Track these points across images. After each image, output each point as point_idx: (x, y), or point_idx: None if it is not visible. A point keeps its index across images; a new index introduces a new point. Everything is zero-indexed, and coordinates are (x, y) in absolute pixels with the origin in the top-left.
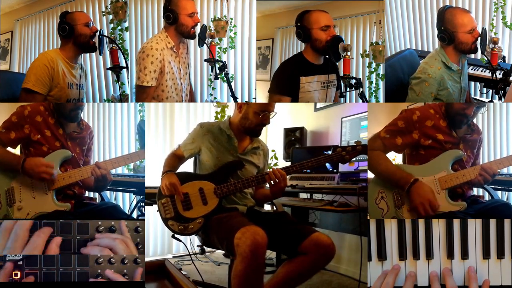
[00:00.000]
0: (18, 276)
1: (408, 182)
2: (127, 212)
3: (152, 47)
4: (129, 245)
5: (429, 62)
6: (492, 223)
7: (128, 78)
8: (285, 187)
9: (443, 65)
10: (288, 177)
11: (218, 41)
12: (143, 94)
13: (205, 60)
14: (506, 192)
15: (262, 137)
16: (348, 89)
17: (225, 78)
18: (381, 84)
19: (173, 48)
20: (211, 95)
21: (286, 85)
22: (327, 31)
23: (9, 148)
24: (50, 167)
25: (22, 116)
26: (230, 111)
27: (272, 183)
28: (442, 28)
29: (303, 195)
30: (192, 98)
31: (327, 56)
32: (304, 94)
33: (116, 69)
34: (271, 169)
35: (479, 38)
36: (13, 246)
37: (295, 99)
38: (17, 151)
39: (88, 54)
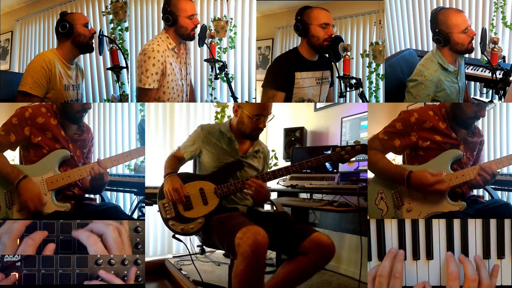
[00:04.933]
0: (16, 278)
1: (404, 175)
2: (127, 213)
3: (153, 49)
4: (122, 234)
5: (425, 64)
6: (492, 223)
7: (128, 78)
8: (267, 194)
9: (439, 67)
10: (288, 177)
11: (218, 41)
12: (145, 96)
13: (205, 60)
14: (506, 192)
15: (262, 137)
16: (348, 89)
17: (225, 78)
18: (381, 84)
19: (174, 49)
20: (211, 95)
21: (280, 80)
22: (326, 29)
23: (8, 151)
24: (41, 202)
25: (23, 117)
26: (230, 111)
27: (251, 192)
28: (437, 30)
29: (303, 195)
30: (192, 98)
31: (326, 55)
32: (298, 90)
33: (116, 69)
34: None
35: (474, 37)
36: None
37: (289, 94)
38: (16, 152)
39: (88, 54)
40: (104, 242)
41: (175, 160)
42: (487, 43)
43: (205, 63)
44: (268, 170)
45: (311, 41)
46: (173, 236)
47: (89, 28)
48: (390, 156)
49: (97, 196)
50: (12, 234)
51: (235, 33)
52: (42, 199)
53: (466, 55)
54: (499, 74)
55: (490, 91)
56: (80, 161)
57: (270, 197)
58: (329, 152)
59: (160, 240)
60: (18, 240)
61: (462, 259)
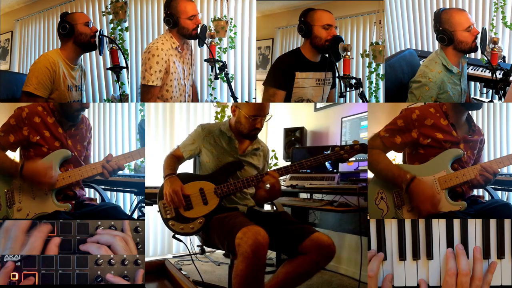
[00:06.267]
0: (16, 278)
1: (406, 181)
2: (127, 213)
3: (158, 47)
4: (129, 243)
5: (429, 65)
6: (492, 223)
7: (128, 78)
8: (280, 189)
9: (443, 68)
10: (288, 177)
11: (218, 41)
12: (148, 94)
13: (205, 60)
14: (506, 192)
15: (262, 137)
16: (348, 89)
17: (225, 78)
18: (381, 84)
19: (178, 48)
20: (211, 95)
21: (281, 78)
22: (328, 30)
23: (9, 152)
24: (50, 169)
25: (20, 118)
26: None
27: (268, 186)
28: (441, 28)
29: (303, 195)
30: (195, 99)
31: (326, 55)
32: (298, 89)
33: (116, 69)
34: (269, 170)
35: (478, 36)
36: (12, 247)
37: (289, 93)
38: (17, 153)
39: (88, 54)
40: (113, 252)
41: (174, 159)
42: (487, 43)
43: (205, 63)
44: (268, 170)
45: (314, 42)
46: (173, 236)
47: (91, 26)
48: (391, 155)
49: (98, 196)
50: (20, 227)
51: (235, 33)
52: (51, 172)
53: (467, 55)
54: (499, 74)
55: (490, 91)
56: (82, 155)
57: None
58: (329, 152)
59: (160, 240)
60: (25, 233)
61: (458, 251)
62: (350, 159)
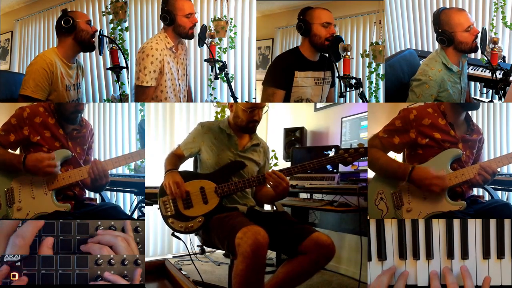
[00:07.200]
0: (16, 278)
1: (407, 171)
2: (127, 213)
3: (152, 47)
4: (130, 243)
5: (429, 64)
6: (492, 223)
7: (128, 78)
8: (288, 187)
9: (443, 67)
10: (288, 177)
11: (218, 41)
12: (143, 94)
13: (205, 60)
14: (506, 192)
15: (262, 137)
16: (348, 89)
17: (225, 78)
18: (381, 84)
19: (172, 48)
20: (211, 95)
21: (280, 78)
22: (327, 28)
23: (8, 151)
24: (52, 159)
25: (21, 118)
26: None
27: (272, 184)
28: (440, 30)
29: (303, 195)
30: (189, 100)
31: (326, 54)
32: (297, 89)
33: (116, 69)
34: (271, 169)
35: (478, 36)
36: None
37: (288, 92)
38: (17, 152)
39: (88, 54)
40: (115, 253)
41: (175, 158)
42: (487, 43)
43: (205, 63)
44: (269, 170)
45: (313, 40)
46: (173, 234)
47: (91, 26)
48: (390, 155)
49: (97, 196)
50: (1, 232)
51: (235, 33)
52: (51, 159)
53: (467, 54)
54: (499, 74)
55: (490, 91)
56: (81, 158)
57: (288, 191)
58: (329, 152)
59: (160, 240)
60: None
61: (445, 271)
62: (354, 163)
